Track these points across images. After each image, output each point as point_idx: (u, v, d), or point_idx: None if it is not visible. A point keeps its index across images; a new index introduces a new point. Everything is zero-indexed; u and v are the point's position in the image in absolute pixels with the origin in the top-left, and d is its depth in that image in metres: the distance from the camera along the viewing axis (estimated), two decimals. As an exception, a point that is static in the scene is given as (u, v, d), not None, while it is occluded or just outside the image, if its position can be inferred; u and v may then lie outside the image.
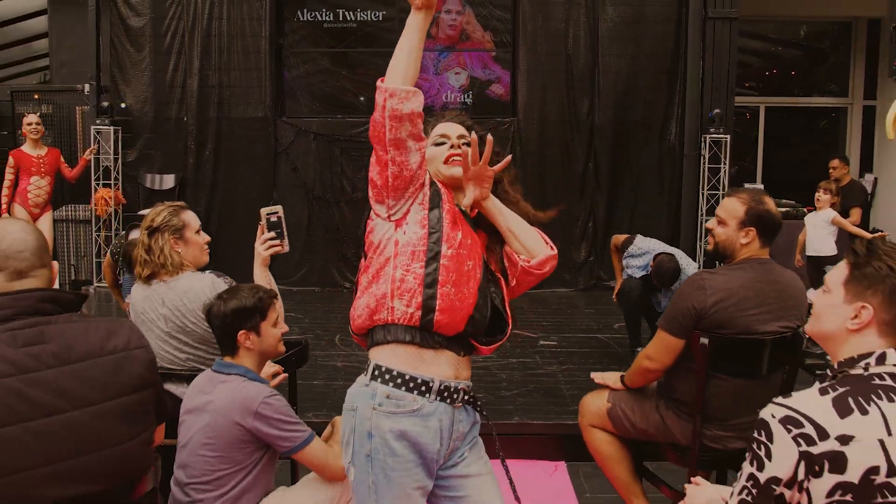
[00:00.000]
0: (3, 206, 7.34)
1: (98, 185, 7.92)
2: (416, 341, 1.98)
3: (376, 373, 2.00)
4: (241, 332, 2.52)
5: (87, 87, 8.12)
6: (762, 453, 1.63)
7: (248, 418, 2.40)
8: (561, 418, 4.30)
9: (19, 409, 1.72)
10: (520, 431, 4.21)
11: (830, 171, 7.92)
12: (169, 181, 8.12)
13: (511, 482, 2.21)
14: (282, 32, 8.25)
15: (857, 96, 10.20)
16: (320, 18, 8.26)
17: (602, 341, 5.96)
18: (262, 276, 2.84)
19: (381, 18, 8.26)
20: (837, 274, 1.77)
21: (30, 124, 7.30)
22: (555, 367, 5.24)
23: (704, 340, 2.72)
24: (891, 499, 1.53)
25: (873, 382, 1.63)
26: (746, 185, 8.66)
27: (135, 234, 4.46)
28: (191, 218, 3.11)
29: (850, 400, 1.59)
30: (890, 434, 1.55)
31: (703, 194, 7.93)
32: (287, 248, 2.85)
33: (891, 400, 1.59)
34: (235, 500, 2.45)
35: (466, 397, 2.07)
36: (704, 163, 7.90)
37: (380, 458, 1.97)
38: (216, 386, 2.48)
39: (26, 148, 7.40)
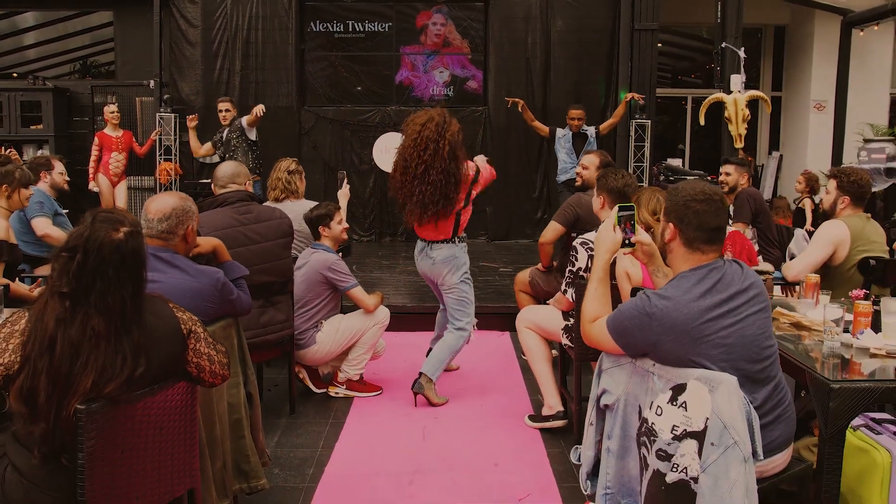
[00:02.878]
0: (91, 176, 9.48)
1: (161, 159, 10.07)
2: None
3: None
4: (320, 226, 4.78)
5: (151, 82, 10.26)
6: (574, 259, 3.89)
7: (325, 271, 4.66)
8: (505, 302, 6.53)
9: (242, 240, 4.01)
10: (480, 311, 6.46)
11: (723, 176, 6.09)
12: (216, 157, 10.28)
13: None
14: (303, 40, 10.45)
15: (766, 88, 12.35)
16: (332, 29, 10.49)
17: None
18: (343, 201, 5.11)
19: (382, 30, 10.49)
20: None
21: (112, 112, 9.42)
22: (507, 281, 7.48)
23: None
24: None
25: None
26: (669, 160, 10.90)
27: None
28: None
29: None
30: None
31: (630, 166, 10.18)
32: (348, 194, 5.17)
33: None
34: (312, 316, 4.70)
35: None
36: (632, 142, 10.13)
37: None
38: (311, 255, 4.75)
39: (108, 130, 9.51)
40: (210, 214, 3.94)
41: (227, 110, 8.13)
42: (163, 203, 2.88)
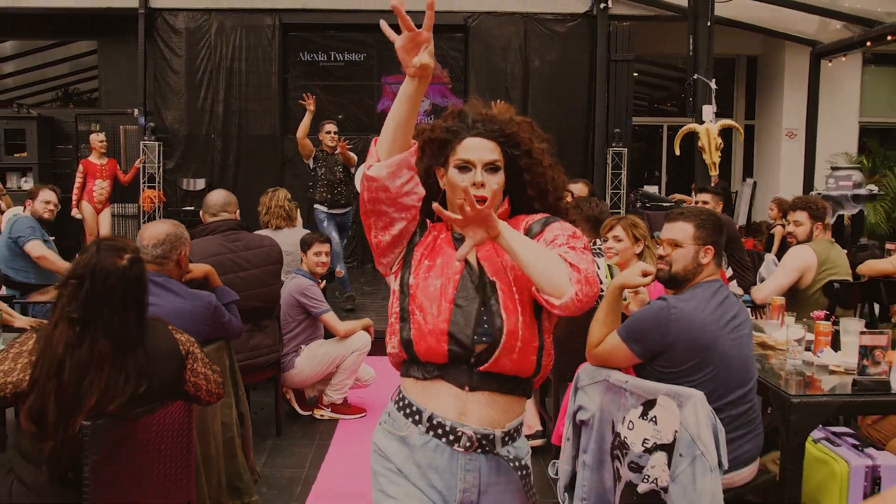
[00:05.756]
0: (74, 203, 9.56)
1: (145, 186, 10.19)
2: (416, 374, 1.87)
3: (395, 394, 1.96)
4: (301, 251, 4.93)
5: (135, 111, 10.41)
6: None
7: (297, 295, 4.79)
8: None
9: (232, 266, 4.14)
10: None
11: (700, 204, 5.91)
12: (200, 184, 10.44)
13: None
14: (287, 69, 10.64)
15: (739, 117, 12.66)
16: (316, 59, 10.69)
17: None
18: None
19: (361, 59, 10.71)
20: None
21: (101, 141, 9.49)
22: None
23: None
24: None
25: None
26: (646, 187, 11.16)
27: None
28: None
29: None
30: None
31: (608, 193, 10.41)
32: None
33: None
34: (290, 340, 4.83)
35: (477, 444, 1.83)
36: (609, 169, 10.38)
37: (376, 476, 1.95)
38: (291, 279, 4.89)
39: (92, 158, 9.61)
40: (201, 242, 4.07)
41: (335, 132, 7.61)
42: (157, 230, 3.02)
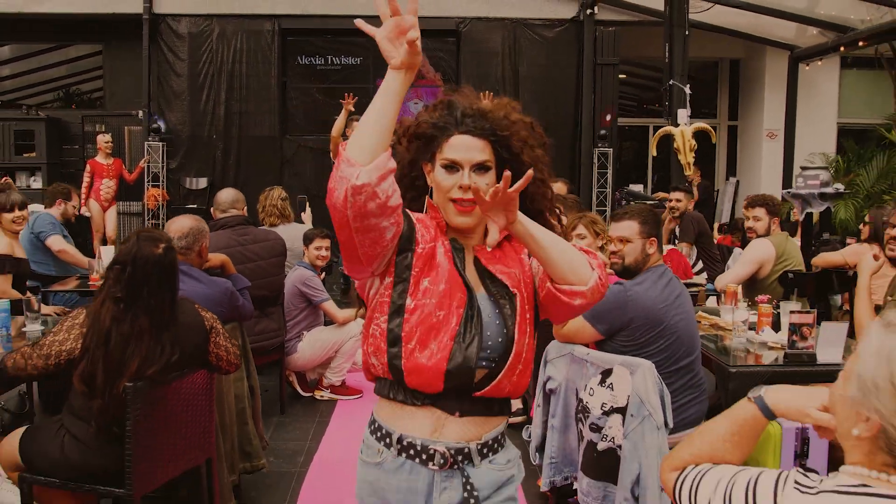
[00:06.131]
0: (83, 201, 9.94)
1: (149, 185, 10.57)
2: (399, 398, 1.74)
3: (370, 418, 1.85)
4: (304, 245, 5.35)
5: (140, 112, 10.80)
6: None
7: (299, 285, 5.21)
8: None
9: (241, 258, 4.56)
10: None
11: (674, 202, 6.75)
12: (202, 183, 10.83)
13: None
14: (285, 73, 11.04)
15: (722, 118, 13.10)
16: (313, 62, 11.11)
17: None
18: (307, 222, 5.72)
19: (357, 62, 11.12)
20: None
21: (107, 142, 9.90)
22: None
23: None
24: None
25: None
26: (631, 186, 11.57)
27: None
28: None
29: None
30: None
31: (594, 191, 10.83)
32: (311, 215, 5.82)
33: None
34: (297, 324, 5.25)
35: (450, 461, 1.71)
36: (595, 169, 10.79)
37: None
38: (294, 271, 5.31)
39: (99, 158, 10.00)
40: (213, 235, 4.48)
41: None
42: (182, 224, 3.44)
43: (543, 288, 1.75)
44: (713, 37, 11.07)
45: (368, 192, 1.50)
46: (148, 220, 10.62)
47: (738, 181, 12.72)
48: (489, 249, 1.78)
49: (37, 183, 10.70)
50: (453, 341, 1.67)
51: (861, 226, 6.51)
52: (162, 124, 10.60)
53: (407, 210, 1.75)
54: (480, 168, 1.76)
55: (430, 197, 1.84)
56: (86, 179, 9.91)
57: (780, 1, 10.37)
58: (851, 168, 10.72)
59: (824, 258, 5.28)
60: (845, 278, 5.07)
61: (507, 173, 1.59)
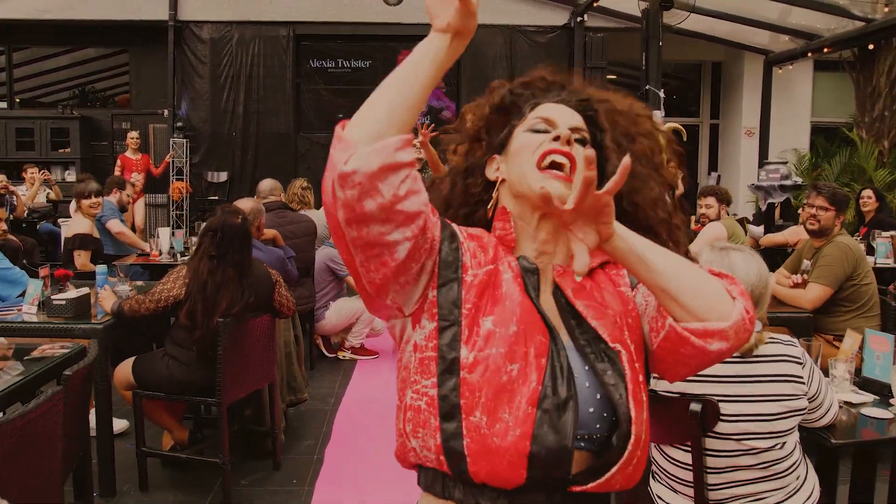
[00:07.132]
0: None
1: (174, 179, 11.46)
2: (456, 496, 1.20)
3: None
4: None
5: (165, 111, 11.71)
6: None
7: (328, 261, 6.13)
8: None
9: (281, 236, 5.48)
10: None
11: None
12: (223, 177, 11.75)
13: None
14: (299, 74, 11.96)
15: (705, 116, 14.00)
16: (325, 66, 12.03)
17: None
18: None
19: (366, 66, 12.04)
20: None
21: (133, 138, 10.85)
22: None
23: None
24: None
25: None
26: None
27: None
28: None
29: None
30: None
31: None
32: None
33: None
34: (325, 294, 6.18)
35: None
36: (585, 164, 11.66)
37: None
38: (322, 249, 6.23)
39: (128, 153, 10.93)
40: (258, 217, 5.42)
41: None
42: (245, 204, 4.37)
43: (659, 330, 1.22)
44: (696, 41, 11.98)
45: (363, 186, 1.05)
46: (173, 210, 11.53)
47: (719, 175, 13.60)
48: (578, 279, 1.28)
49: (71, 176, 11.62)
50: (536, 408, 1.14)
51: (800, 210, 7.47)
52: (183, 111, 11.50)
53: (449, 221, 1.30)
54: (578, 140, 1.30)
55: (493, 208, 1.36)
56: (116, 173, 10.78)
57: (756, 10, 11.29)
58: (819, 163, 11.65)
59: (769, 238, 6.20)
60: (786, 255, 5.99)
61: (590, 152, 1.07)
